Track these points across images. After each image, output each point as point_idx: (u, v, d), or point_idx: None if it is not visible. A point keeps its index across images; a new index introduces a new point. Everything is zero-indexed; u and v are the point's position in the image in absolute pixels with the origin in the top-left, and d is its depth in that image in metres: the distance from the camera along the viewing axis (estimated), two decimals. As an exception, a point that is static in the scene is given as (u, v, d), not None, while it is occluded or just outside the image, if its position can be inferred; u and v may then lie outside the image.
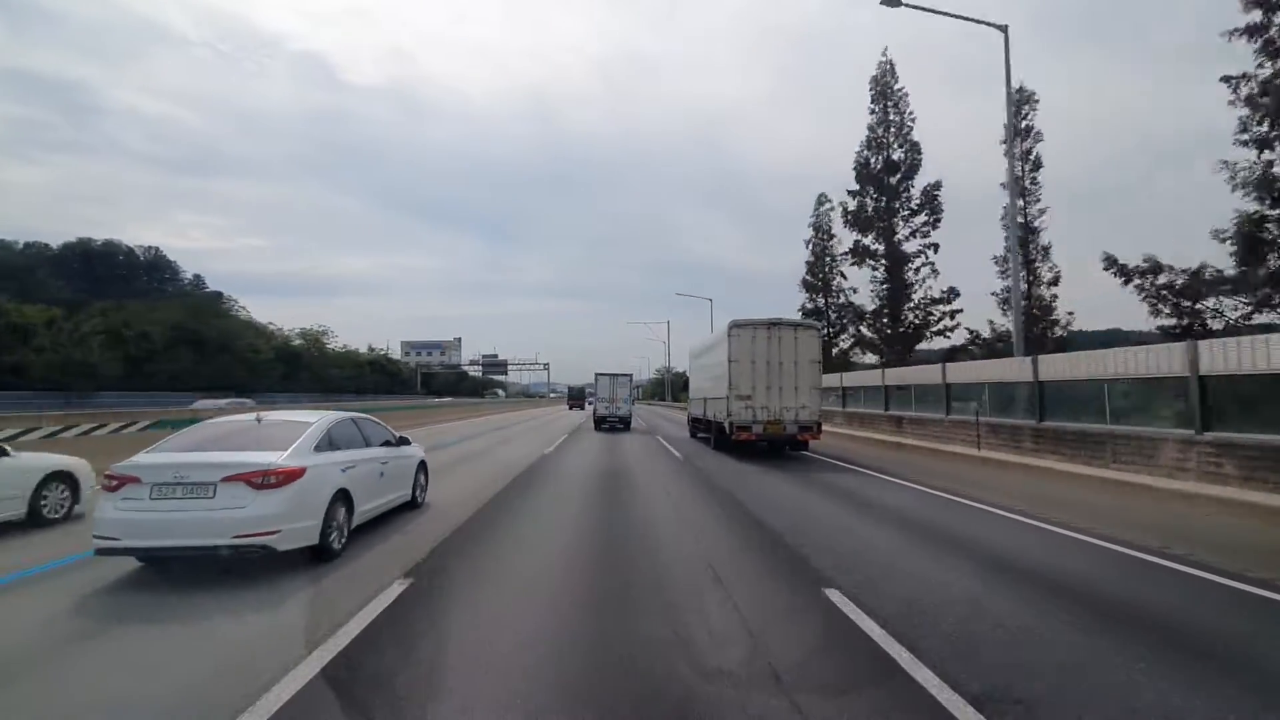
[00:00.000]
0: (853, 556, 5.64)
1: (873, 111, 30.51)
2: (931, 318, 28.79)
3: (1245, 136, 14.85)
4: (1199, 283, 15.90)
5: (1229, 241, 14.93)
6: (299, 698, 2.93)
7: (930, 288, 29.16)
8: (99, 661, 3.48)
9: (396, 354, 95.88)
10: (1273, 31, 14.43)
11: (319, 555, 5.34)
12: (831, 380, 23.19)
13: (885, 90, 30.10)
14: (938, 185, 29.18)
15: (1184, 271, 16.23)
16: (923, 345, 29.65)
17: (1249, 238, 14.55)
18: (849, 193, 31.41)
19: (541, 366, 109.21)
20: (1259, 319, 15.16)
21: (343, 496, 5.77)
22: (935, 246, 29.10)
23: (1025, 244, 23.70)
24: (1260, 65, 14.67)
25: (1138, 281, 16.94)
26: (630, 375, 28.66)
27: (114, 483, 4.88)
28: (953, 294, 28.55)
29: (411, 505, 7.77)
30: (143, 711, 2.93)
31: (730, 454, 14.39)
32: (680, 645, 3.60)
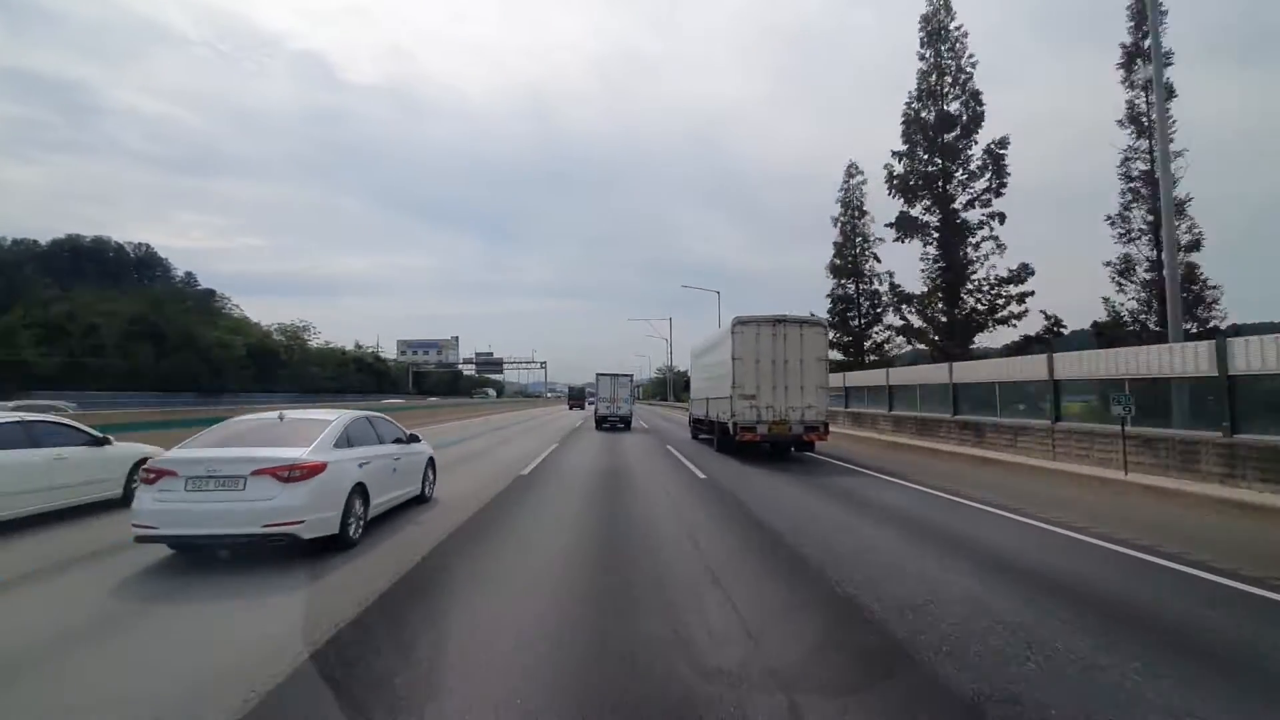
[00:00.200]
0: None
1: (923, 57, 25.87)
2: (999, 301, 24.15)
3: None
4: None
5: None
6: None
7: (993, 266, 24.45)
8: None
9: (392, 353, 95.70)
10: None
11: (338, 544, 5.81)
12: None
13: (938, 31, 25.49)
14: (1003, 142, 24.29)
15: None
16: (976, 337, 25.09)
17: None
18: (894, 154, 26.60)
19: (538, 365, 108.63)
20: None
21: (360, 490, 6.26)
22: (1000, 216, 24.36)
23: (1141, 196, 20.10)
24: None
25: None
26: (630, 375, 28.97)
27: (152, 476, 5.39)
28: (1024, 272, 23.79)
29: (420, 500, 8.34)
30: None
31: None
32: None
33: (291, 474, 5.40)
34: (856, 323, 31.87)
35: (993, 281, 24.38)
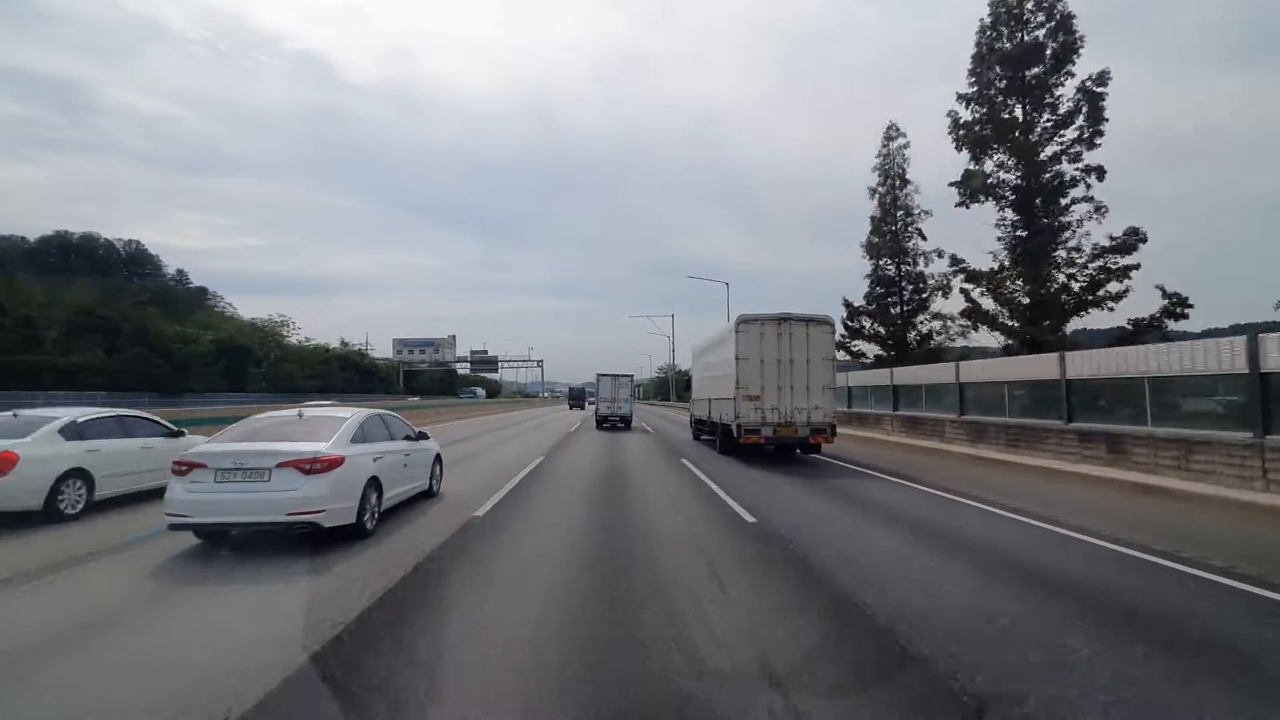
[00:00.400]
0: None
1: None
2: (1100, 276, 19.46)
3: None
4: None
5: None
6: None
7: (1087, 233, 19.81)
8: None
9: (387, 351, 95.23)
10: None
11: (354, 534, 6.25)
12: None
13: None
14: (1102, 78, 19.46)
15: None
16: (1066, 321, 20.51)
17: None
18: (959, 97, 21.94)
19: (535, 364, 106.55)
20: None
21: (374, 483, 6.70)
22: (1098, 171, 19.58)
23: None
24: None
25: None
26: (631, 376, 29.52)
27: (183, 468, 5.82)
28: (1133, 239, 18.92)
29: (428, 494, 8.80)
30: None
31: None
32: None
33: (313, 466, 5.84)
34: (898, 310, 28.10)
35: (1090, 251, 19.65)
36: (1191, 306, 17.83)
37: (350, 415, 7.02)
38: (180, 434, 9.24)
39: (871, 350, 29.23)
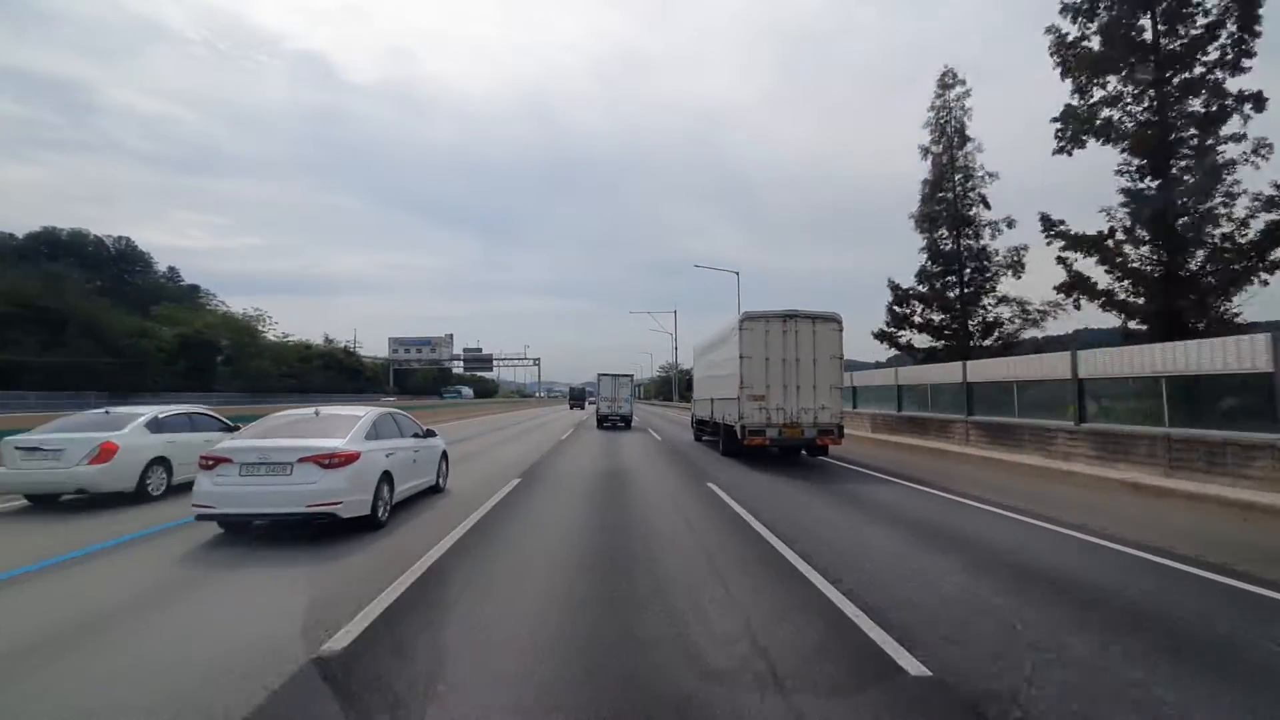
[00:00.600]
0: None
1: None
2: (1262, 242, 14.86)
3: None
4: None
5: None
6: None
7: (1240, 186, 15.32)
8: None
9: (383, 350, 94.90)
10: None
11: (368, 525, 6.71)
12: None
13: None
14: None
15: None
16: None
17: None
18: (1063, 8, 17.39)
19: (531, 362, 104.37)
20: None
21: (386, 477, 7.14)
22: (1256, 99, 15.05)
23: None
24: None
25: None
26: (631, 376, 30.29)
27: (210, 463, 6.27)
28: None
29: (435, 490, 9.28)
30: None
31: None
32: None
33: (332, 461, 6.29)
34: (957, 292, 24.35)
35: (1249, 207, 15.03)
36: None
37: (364, 413, 7.52)
38: (235, 429, 9.69)
39: (923, 342, 25.26)
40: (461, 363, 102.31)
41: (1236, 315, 15.56)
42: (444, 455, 9.76)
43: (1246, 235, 15.29)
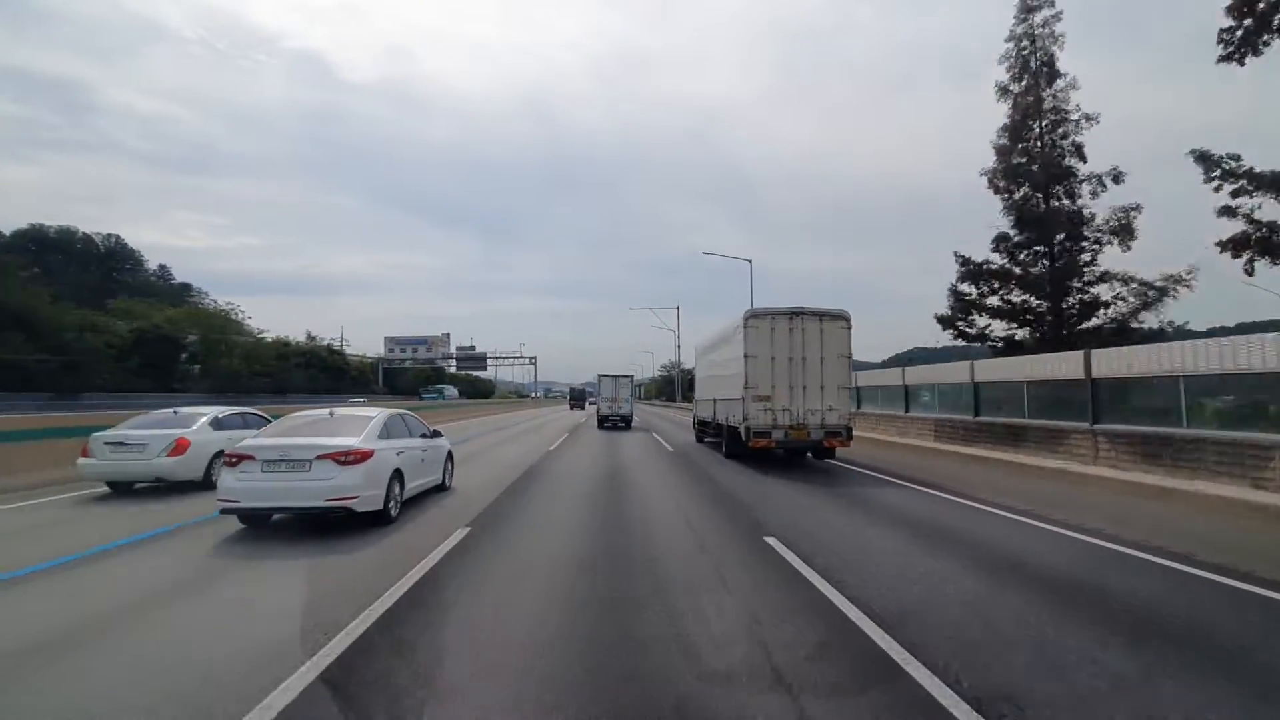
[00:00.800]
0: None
1: None
2: None
3: None
4: None
5: None
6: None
7: None
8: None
9: (379, 349, 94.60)
10: None
11: (380, 520, 7.12)
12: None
13: None
14: None
15: None
16: None
17: None
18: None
19: (527, 361, 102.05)
20: None
21: (397, 475, 7.57)
22: None
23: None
24: None
25: None
26: (631, 376, 30.58)
27: (233, 460, 6.71)
28: None
29: (441, 488, 9.71)
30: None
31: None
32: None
33: (348, 458, 6.73)
34: (1045, 263, 20.74)
35: None
36: None
37: (376, 414, 8.04)
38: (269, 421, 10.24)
39: (999, 329, 21.61)
40: (454, 362, 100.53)
41: None
42: (449, 455, 10.18)
43: None
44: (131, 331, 46.32)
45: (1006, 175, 21.13)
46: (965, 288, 21.97)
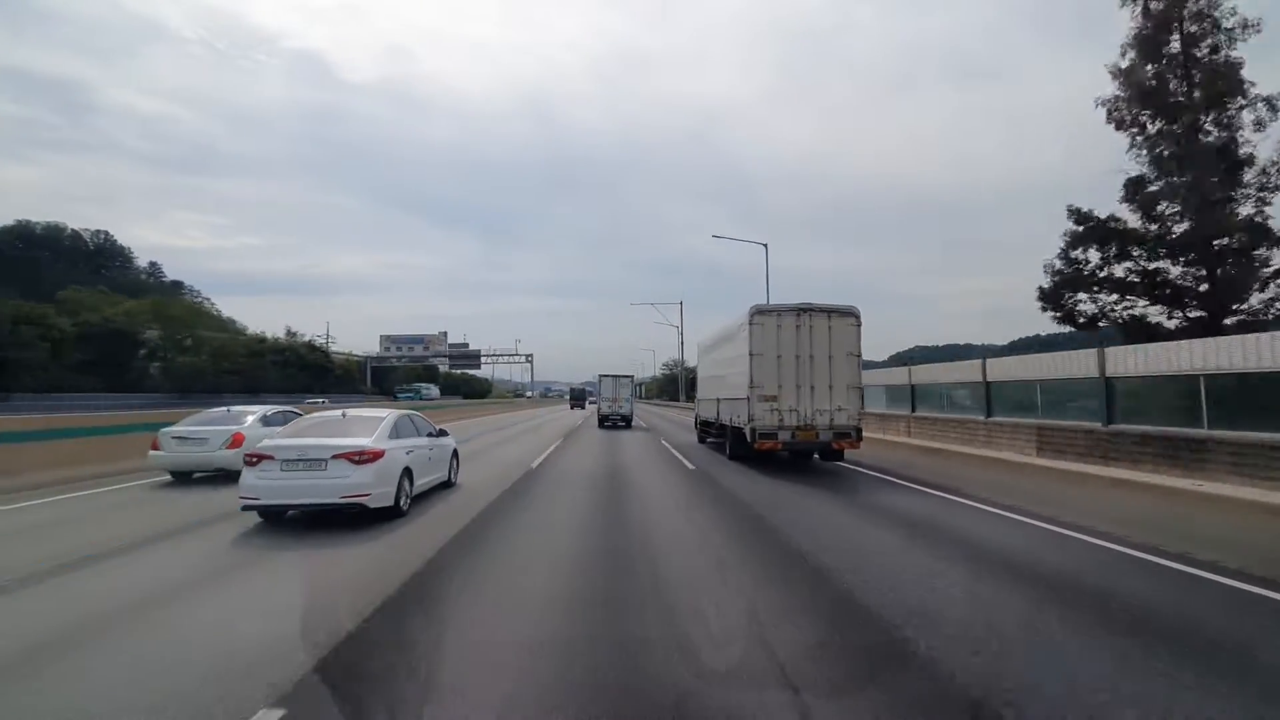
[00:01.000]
0: None
1: None
2: None
3: None
4: None
5: None
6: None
7: None
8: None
9: (374, 348, 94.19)
10: None
11: (392, 514, 7.64)
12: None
13: None
14: None
15: None
16: None
17: None
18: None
19: (522, 359, 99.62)
20: None
21: (407, 472, 8.09)
22: None
23: None
24: None
25: None
26: (631, 376, 31.13)
27: (254, 459, 7.19)
28: None
29: (448, 485, 10.21)
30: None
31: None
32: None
33: (361, 457, 7.25)
34: (1191, 221, 15.87)
35: None
36: None
37: (386, 415, 8.55)
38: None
39: (1117, 309, 17.24)
40: (447, 360, 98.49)
41: None
42: (455, 453, 10.74)
43: None
44: (76, 325, 42.29)
45: (1139, 100, 16.28)
46: (1077, 257, 17.20)
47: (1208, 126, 15.66)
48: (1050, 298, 18.21)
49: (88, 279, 60.07)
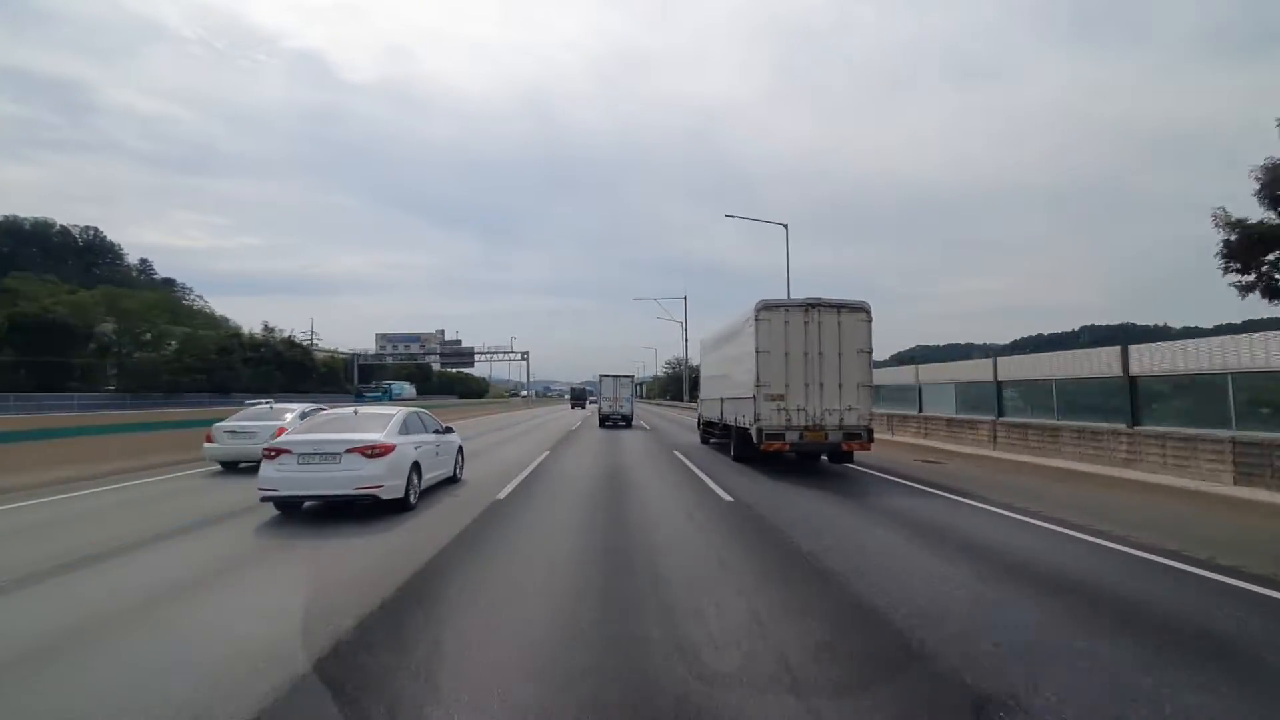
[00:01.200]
0: None
1: None
2: None
3: None
4: None
5: None
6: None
7: None
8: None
9: (369, 346, 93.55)
10: None
11: (401, 507, 8.07)
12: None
13: None
14: None
15: None
16: None
17: None
18: None
19: (518, 357, 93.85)
20: None
21: (416, 466, 8.53)
22: None
23: None
24: None
25: None
26: (631, 376, 31.53)
27: (272, 454, 7.60)
28: None
29: (453, 480, 10.72)
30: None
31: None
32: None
33: (373, 451, 7.68)
34: None
35: None
36: None
37: (396, 412, 9.04)
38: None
39: None
40: (439, 358, 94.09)
41: None
42: (460, 449, 11.23)
43: None
44: (7, 317, 37.17)
45: None
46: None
47: None
48: (1239, 253, 13.57)
49: (77, 276, 59.77)
